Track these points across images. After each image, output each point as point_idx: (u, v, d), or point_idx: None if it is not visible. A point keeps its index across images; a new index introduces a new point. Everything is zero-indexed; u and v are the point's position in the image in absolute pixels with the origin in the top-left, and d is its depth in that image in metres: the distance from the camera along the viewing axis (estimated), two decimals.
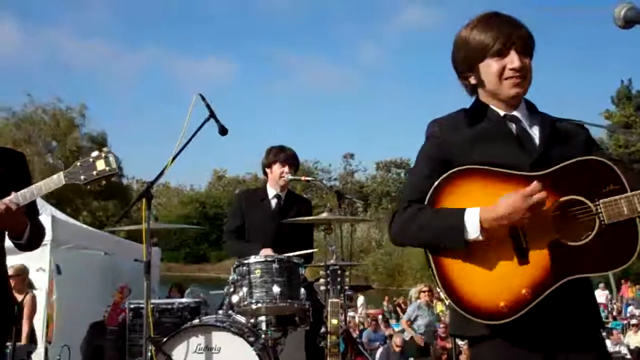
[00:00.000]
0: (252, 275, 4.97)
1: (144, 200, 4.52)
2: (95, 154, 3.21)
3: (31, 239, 3.30)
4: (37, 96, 57.35)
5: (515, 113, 2.70)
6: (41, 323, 8.97)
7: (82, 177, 3.16)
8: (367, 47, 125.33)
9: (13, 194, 3.10)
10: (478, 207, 2.48)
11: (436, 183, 2.57)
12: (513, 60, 2.62)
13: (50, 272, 9.15)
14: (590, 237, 2.47)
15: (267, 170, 6.08)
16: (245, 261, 5.04)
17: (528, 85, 2.68)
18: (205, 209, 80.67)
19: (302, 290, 5.04)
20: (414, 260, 56.12)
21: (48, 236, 9.29)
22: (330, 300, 4.75)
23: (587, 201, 2.49)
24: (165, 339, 4.72)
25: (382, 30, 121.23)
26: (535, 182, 2.41)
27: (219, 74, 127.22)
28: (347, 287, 5.17)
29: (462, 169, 2.56)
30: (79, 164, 3.18)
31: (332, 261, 5.01)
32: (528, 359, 2.52)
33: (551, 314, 2.49)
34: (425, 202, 2.58)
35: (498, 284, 2.48)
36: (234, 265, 5.15)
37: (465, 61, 2.73)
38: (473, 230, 2.45)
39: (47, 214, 9.93)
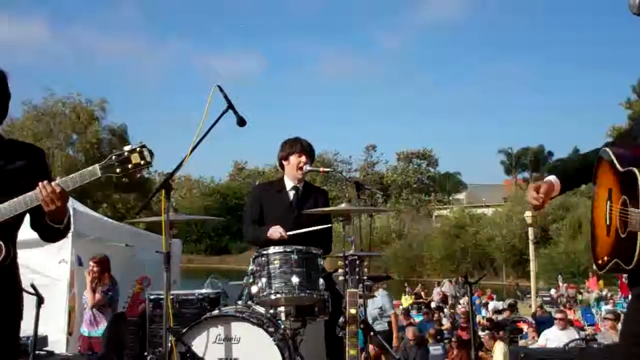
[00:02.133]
0: (271, 266, 4.99)
1: (163, 191, 4.53)
2: (128, 147, 3.32)
3: (67, 227, 3.46)
4: (59, 90, 57.51)
5: None
6: (63, 314, 9.05)
7: (117, 169, 3.28)
8: (389, 37, 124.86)
9: (55, 181, 3.25)
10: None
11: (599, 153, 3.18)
12: None
13: (71, 263, 9.22)
14: (624, 235, 2.87)
15: (284, 163, 6.06)
16: (264, 252, 5.06)
17: None
18: (226, 200, 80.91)
19: (321, 280, 5.05)
20: (434, 251, 56.12)
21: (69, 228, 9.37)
22: (348, 290, 4.76)
23: (628, 204, 2.85)
24: (185, 330, 4.76)
25: (405, 20, 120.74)
26: (543, 186, 3.26)
27: (240, 67, 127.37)
28: (365, 278, 5.17)
29: (603, 149, 3.14)
30: (114, 157, 3.28)
31: (350, 252, 5.01)
32: None
33: None
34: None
35: (600, 246, 3.10)
36: (253, 256, 5.17)
37: None
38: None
39: (68, 206, 9.99)
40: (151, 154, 3.30)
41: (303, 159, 5.95)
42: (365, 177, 74.20)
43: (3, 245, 3.25)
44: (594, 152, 3.29)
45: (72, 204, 10.98)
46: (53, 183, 3.22)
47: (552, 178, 3.38)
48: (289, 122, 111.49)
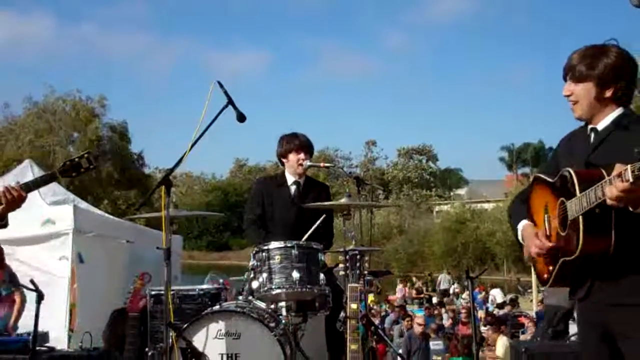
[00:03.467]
0: (271, 261, 4.99)
1: (163, 187, 4.53)
2: (76, 154, 4.11)
3: (6, 224, 3.83)
4: (60, 87, 57.39)
5: (597, 126, 3.13)
6: (64, 311, 9.06)
7: (73, 173, 3.99)
8: (390, 33, 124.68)
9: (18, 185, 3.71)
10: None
11: (531, 179, 3.37)
12: None
13: (72, 260, 9.22)
14: (566, 230, 2.96)
15: (283, 160, 6.04)
16: (265, 247, 5.06)
17: (581, 109, 3.15)
18: (227, 196, 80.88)
19: (322, 275, 5.05)
20: (435, 246, 56.04)
21: (70, 225, 9.37)
22: (349, 285, 4.76)
23: (566, 203, 2.95)
24: (185, 325, 4.76)
25: (405, 17, 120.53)
26: (546, 242, 3.08)
27: (242, 63, 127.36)
28: (366, 273, 5.17)
29: (536, 175, 3.33)
30: (68, 163, 3.97)
31: (351, 247, 5.01)
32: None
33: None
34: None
35: (542, 263, 3.21)
36: (254, 252, 5.16)
37: None
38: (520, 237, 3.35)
39: (69, 203, 10.01)
40: (95, 158, 4.09)
41: (302, 155, 5.92)
42: (366, 173, 74.05)
43: None
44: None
45: (73, 200, 11.02)
46: (17, 187, 3.69)
47: (526, 222, 3.36)
48: (290, 119, 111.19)
